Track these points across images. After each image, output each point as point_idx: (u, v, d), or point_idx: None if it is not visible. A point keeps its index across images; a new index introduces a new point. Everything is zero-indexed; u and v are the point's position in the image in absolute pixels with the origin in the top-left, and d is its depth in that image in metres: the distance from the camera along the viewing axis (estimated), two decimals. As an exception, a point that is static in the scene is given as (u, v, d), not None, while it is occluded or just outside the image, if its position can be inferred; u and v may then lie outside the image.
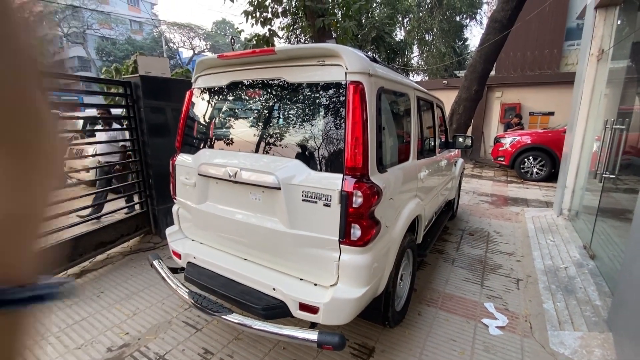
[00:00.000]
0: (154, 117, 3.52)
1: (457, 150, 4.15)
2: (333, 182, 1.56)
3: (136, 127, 3.51)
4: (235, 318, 1.64)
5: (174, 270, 2.15)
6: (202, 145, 2.17)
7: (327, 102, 1.67)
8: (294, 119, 1.79)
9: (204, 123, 2.22)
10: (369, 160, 1.57)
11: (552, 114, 9.28)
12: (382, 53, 15.28)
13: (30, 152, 0.28)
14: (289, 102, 1.82)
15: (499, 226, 4.35)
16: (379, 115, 1.67)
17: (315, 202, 1.59)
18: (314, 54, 1.67)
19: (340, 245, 1.58)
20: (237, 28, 10.00)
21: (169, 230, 2.34)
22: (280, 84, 1.82)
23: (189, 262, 2.13)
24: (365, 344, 2.09)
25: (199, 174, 2.01)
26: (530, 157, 7.15)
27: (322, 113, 1.69)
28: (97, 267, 3.13)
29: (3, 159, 0.26)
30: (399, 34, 18.28)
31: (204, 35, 30.51)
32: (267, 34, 6.93)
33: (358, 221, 1.53)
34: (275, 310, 1.66)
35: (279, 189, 1.64)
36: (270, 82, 1.86)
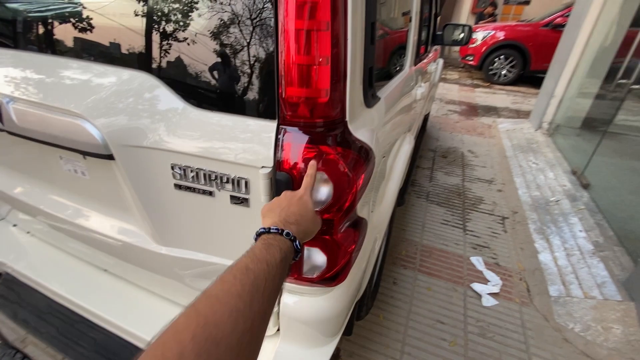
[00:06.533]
0: None
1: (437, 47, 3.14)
2: (251, 143, 0.57)
3: None
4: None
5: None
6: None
7: None
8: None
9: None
10: (349, 78, 0.58)
11: (527, 2, 8.18)
12: None
13: None
14: None
15: (472, 143, 3.78)
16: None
17: (210, 193, 0.62)
18: None
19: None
20: None
21: (-40, 210, 1.24)
22: None
23: (5, 273, 1.14)
24: (327, 346, 1.48)
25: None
26: (502, 57, 6.36)
27: None
28: None
29: None
30: None
31: None
32: None
33: (321, 238, 0.63)
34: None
35: (110, 157, 0.62)
36: None
